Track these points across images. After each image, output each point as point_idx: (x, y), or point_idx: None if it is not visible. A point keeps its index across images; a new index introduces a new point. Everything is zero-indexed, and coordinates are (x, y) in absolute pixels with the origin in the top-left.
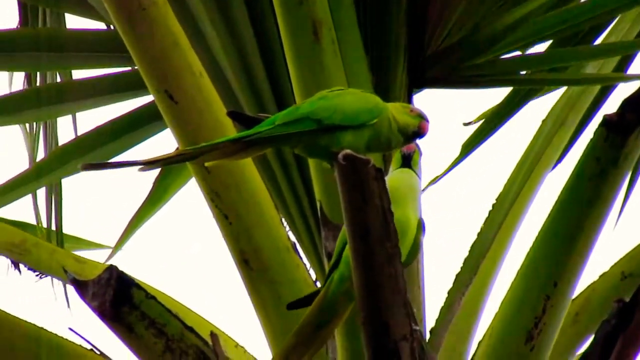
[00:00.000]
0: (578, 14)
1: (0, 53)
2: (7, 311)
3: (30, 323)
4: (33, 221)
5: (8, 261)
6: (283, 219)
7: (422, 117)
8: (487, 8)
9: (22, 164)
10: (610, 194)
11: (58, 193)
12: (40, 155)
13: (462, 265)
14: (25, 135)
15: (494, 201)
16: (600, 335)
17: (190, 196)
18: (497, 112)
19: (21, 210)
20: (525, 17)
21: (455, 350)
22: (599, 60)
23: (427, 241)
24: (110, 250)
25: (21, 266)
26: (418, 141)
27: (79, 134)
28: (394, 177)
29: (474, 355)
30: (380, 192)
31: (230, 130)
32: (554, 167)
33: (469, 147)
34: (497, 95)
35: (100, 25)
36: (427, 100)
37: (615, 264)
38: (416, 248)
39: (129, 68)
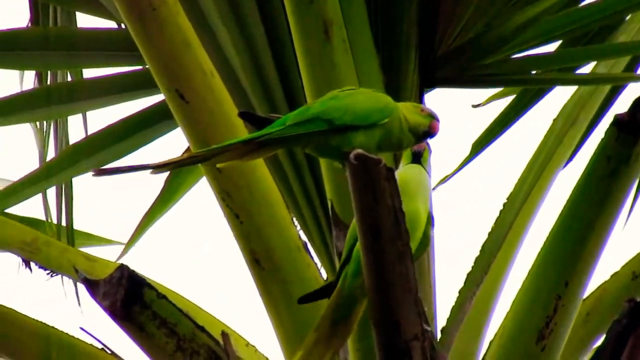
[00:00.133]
0: (588, 14)
1: (11, 52)
2: (18, 310)
3: (40, 322)
4: (43, 218)
5: (19, 259)
6: (294, 219)
7: (432, 117)
8: (498, 8)
9: (32, 163)
10: (622, 194)
11: (69, 191)
12: (51, 154)
13: (473, 264)
14: (36, 134)
15: (505, 200)
16: (611, 335)
17: (202, 195)
18: (507, 111)
19: (32, 207)
20: (536, 17)
21: (466, 349)
22: (610, 60)
23: (438, 240)
24: (121, 246)
25: (32, 264)
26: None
27: (89, 132)
28: (404, 171)
29: (485, 354)
30: (391, 192)
31: (241, 130)
32: (564, 166)
33: (479, 146)
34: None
35: (111, 24)
36: (437, 99)
37: (627, 263)
38: (426, 241)
39: (140, 67)
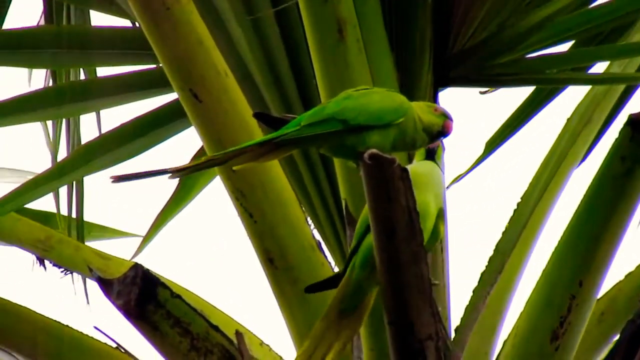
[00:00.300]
0: (602, 14)
1: (24, 50)
2: (29, 307)
3: (51, 319)
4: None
5: (33, 257)
6: (308, 218)
7: (446, 117)
8: (512, 7)
9: (45, 160)
10: (636, 193)
11: (80, 190)
12: (62, 152)
13: (487, 263)
14: (49, 133)
15: (519, 200)
16: (626, 334)
17: (216, 194)
18: (521, 110)
19: (44, 203)
20: (549, 16)
21: (480, 349)
22: (623, 59)
23: (452, 239)
24: (134, 240)
25: (46, 262)
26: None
27: (102, 131)
28: (416, 165)
29: (499, 354)
30: (405, 191)
31: (254, 129)
32: (578, 165)
33: (492, 145)
34: (521, 93)
35: (125, 23)
36: (451, 98)
37: None
38: (437, 235)
39: (154, 65)
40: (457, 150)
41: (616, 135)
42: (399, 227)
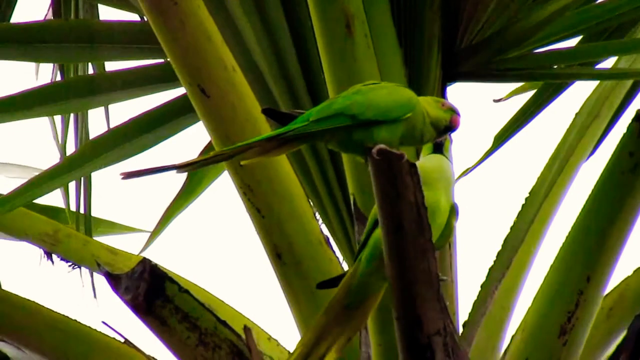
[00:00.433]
0: (610, 9)
1: (32, 44)
2: (36, 301)
3: (58, 313)
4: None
5: (41, 251)
6: (316, 213)
7: (453, 111)
8: (520, 3)
9: (50, 158)
10: None
11: (88, 185)
12: (70, 147)
13: (495, 258)
14: (57, 128)
15: (527, 194)
16: (634, 329)
17: (224, 189)
18: (529, 104)
19: (52, 198)
20: (557, 12)
21: (488, 344)
22: (631, 55)
23: (460, 234)
24: (142, 235)
25: (54, 257)
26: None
27: (111, 126)
28: (425, 161)
29: (506, 349)
30: (414, 187)
31: (262, 124)
32: (586, 160)
33: (501, 139)
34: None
35: (134, 17)
36: (460, 92)
37: None
38: (448, 232)
39: (162, 60)
40: (466, 144)
41: (624, 130)
42: (407, 223)
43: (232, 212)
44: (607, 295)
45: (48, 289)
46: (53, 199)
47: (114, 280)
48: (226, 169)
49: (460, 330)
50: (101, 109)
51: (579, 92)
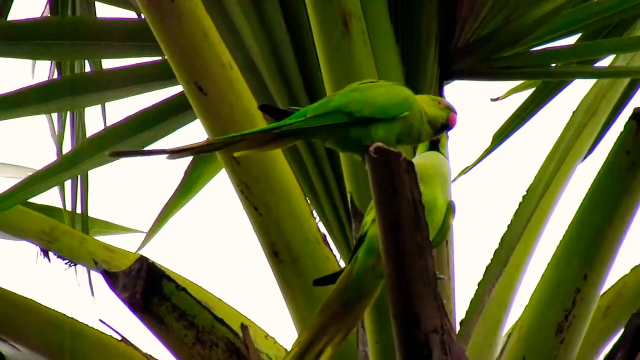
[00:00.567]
0: (607, 7)
1: (29, 42)
2: (34, 299)
3: (56, 311)
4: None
5: (37, 249)
6: (314, 211)
7: (450, 110)
8: (517, 1)
9: (45, 158)
10: None
11: (85, 184)
12: (67, 146)
13: (492, 257)
14: (54, 126)
15: (525, 193)
16: (631, 328)
17: (222, 188)
18: (528, 103)
19: (47, 195)
20: (555, 10)
21: (485, 342)
22: (629, 53)
23: (457, 232)
24: (139, 234)
25: (51, 255)
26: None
27: (108, 124)
28: (422, 158)
29: (503, 347)
30: (411, 185)
31: (260, 122)
32: (584, 159)
33: (499, 138)
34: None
35: (131, 15)
36: (459, 91)
37: None
38: (445, 229)
39: (159, 58)
40: (465, 143)
41: (621, 129)
42: (404, 221)
43: (230, 211)
44: (604, 293)
45: (45, 287)
46: (50, 198)
47: (112, 278)
48: (224, 167)
49: (458, 328)
50: (98, 107)
51: (577, 90)
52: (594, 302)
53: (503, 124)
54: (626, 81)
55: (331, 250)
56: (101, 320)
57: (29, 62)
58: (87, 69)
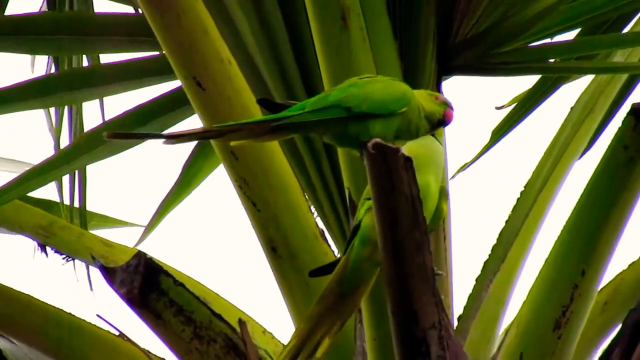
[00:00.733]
0: (606, 2)
1: (27, 36)
2: (32, 294)
3: (55, 307)
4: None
5: (35, 244)
6: (312, 206)
7: (447, 105)
8: None
9: (42, 152)
10: (638, 182)
11: (83, 178)
12: (65, 140)
13: (490, 252)
14: (52, 120)
15: (522, 189)
16: (628, 323)
17: (219, 182)
18: (526, 99)
19: (46, 191)
20: (553, 5)
21: (483, 337)
22: (627, 48)
23: (455, 228)
24: (137, 229)
25: (48, 249)
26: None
27: (106, 119)
28: (416, 143)
29: (501, 343)
30: (409, 181)
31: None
32: (582, 155)
33: (498, 134)
34: (526, 82)
35: (129, 9)
36: (456, 86)
37: None
38: (438, 215)
39: (158, 53)
40: (463, 139)
41: (619, 125)
42: (402, 217)
43: (228, 206)
44: (602, 289)
45: (42, 282)
46: (47, 192)
47: (109, 273)
48: (222, 162)
49: (455, 324)
50: (96, 102)
51: (575, 86)
52: (592, 297)
53: (502, 120)
54: (624, 77)
55: (329, 245)
56: (99, 315)
57: (27, 56)
58: (85, 63)
